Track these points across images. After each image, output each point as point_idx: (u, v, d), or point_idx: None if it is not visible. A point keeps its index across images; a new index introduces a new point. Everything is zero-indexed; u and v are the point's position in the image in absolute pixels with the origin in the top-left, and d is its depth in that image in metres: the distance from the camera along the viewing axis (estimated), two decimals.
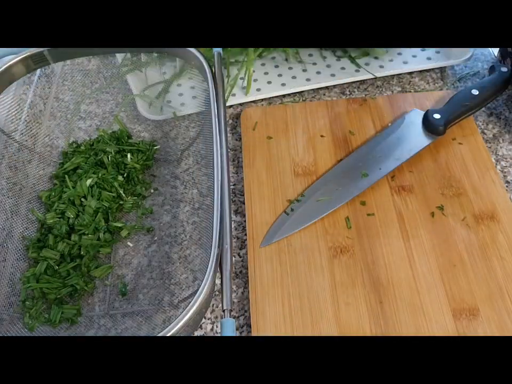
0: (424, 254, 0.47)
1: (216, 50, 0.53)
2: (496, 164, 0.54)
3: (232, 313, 0.38)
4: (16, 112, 0.55)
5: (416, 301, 0.44)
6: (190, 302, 0.36)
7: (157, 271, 0.49)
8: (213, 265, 0.37)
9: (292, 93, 0.63)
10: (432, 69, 0.65)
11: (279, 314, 0.44)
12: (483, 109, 0.60)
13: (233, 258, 0.49)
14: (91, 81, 0.61)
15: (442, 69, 0.65)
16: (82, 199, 0.51)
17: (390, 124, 0.57)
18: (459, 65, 0.65)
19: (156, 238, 0.51)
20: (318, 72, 0.64)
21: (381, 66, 0.64)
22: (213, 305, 0.47)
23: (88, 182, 0.51)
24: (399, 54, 0.66)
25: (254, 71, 0.64)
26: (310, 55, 0.67)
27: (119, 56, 0.61)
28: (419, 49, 0.66)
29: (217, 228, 0.39)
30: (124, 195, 0.53)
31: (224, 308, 0.38)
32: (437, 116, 0.54)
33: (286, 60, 0.66)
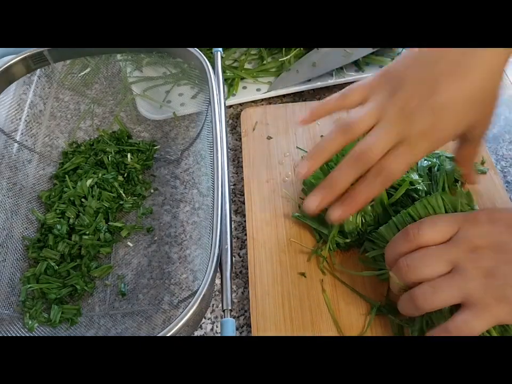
0: None
1: (216, 50, 0.53)
2: (496, 164, 0.54)
3: (232, 313, 0.37)
4: (16, 112, 0.55)
5: None
6: (190, 302, 0.36)
7: (157, 271, 0.49)
8: (213, 265, 0.37)
9: (291, 93, 0.63)
10: None
11: (279, 314, 0.44)
12: None
13: (233, 258, 0.49)
14: (91, 81, 0.61)
15: None
16: (83, 199, 0.51)
17: None
18: None
19: (156, 238, 0.51)
20: None
21: (381, 66, 0.64)
22: (213, 305, 0.47)
23: (88, 182, 0.51)
24: (399, 54, 0.66)
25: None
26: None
27: (119, 56, 0.61)
28: None
29: (217, 228, 0.39)
30: (124, 195, 0.53)
31: (224, 308, 0.38)
32: None
33: (289, 63, 0.65)
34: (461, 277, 0.36)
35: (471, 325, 0.35)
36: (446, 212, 0.41)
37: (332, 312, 0.43)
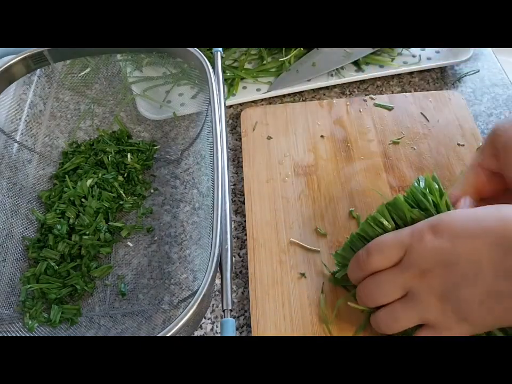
0: None
1: (216, 50, 0.53)
2: None
3: (232, 313, 0.38)
4: (16, 112, 0.55)
5: None
6: (190, 302, 0.36)
7: (157, 271, 0.49)
8: (213, 265, 0.37)
9: (291, 93, 0.63)
10: (432, 69, 0.65)
11: (279, 314, 0.44)
12: (483, 109, 0.60)
13: (233, 258, 0.49)
14: (91, 81, 0.61)
15: (442, 69, 0.65)
16: (83, 199, 0.51)
17: None
18: (459, 65, 0.65)
19: (156, 238, 0.51)
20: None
21: (381, 66, 0.64)
22: (213, 305, 0.47)
23: (89, 182, 0.51)
24: (399, 54, 0.66)
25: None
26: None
27: (119, 56, 0.61)
28: (419, 49, 0.66)
29: (217, 228, 0.39)
30: (124, 195, 0.53)
31: (224, 308, 0.38)
32: None
33: (289, 63, 0.65)
34: (416, 303, 0.36)
35: None
36: (395, 222, 0.39)
37: (324, 315, 0.43)
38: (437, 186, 0.40)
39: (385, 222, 0.40)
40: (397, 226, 0.40)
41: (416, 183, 0.40)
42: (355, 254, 0.40)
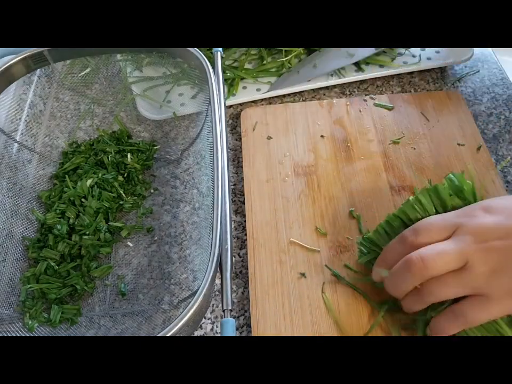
0: None
1: (216, 50, 0.53)
2: (496, 164, 0.54)
3: (232, 313, 0.38)
4: (16, 112, 0.55)
5: None
6: (190, 302, 0.36)
7: (157, 271, 0.49)
8: (213, 265, 0.37)
9: (292, 93, 0.63)
10: (432, 69, 0.65)
11: (279, 314, 0.44)
12: (483, 109, 0.60)
13: (233, 258, 0.49)
14: (91, 81, 0.61)
15: (442, 69, 0.65)
16: (83, 199, 0.51)
17: None
18: (459, 65, 0.65)
19: (156, 238, 0.51)
20: None
21: (381, 66, 0.64)
22: (213, 305, 0.47)
23: (89, 182, 0.51)
24: (399, 54, 0.66)
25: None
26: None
27: (119, 56, 0.61)
28: (419, 49, 0.66)
29: (217, 228, 0.39)
30: (124, 195, 0.53)
31: (224, 308, 0.38)
32: None
33: (289, 63, 0.65)
34: (468, 274, 0.36)
35: (480, 313, 0.36)
36: (436, 209, 0.40)
37: (333, 313, 0.43)
38: (469, 182, 0.41)
39: (428, 205, 0.40)
40: (437, 212, 0.40)
41: (451, 175, 0.41)
42: (399, 235, 0.40)
